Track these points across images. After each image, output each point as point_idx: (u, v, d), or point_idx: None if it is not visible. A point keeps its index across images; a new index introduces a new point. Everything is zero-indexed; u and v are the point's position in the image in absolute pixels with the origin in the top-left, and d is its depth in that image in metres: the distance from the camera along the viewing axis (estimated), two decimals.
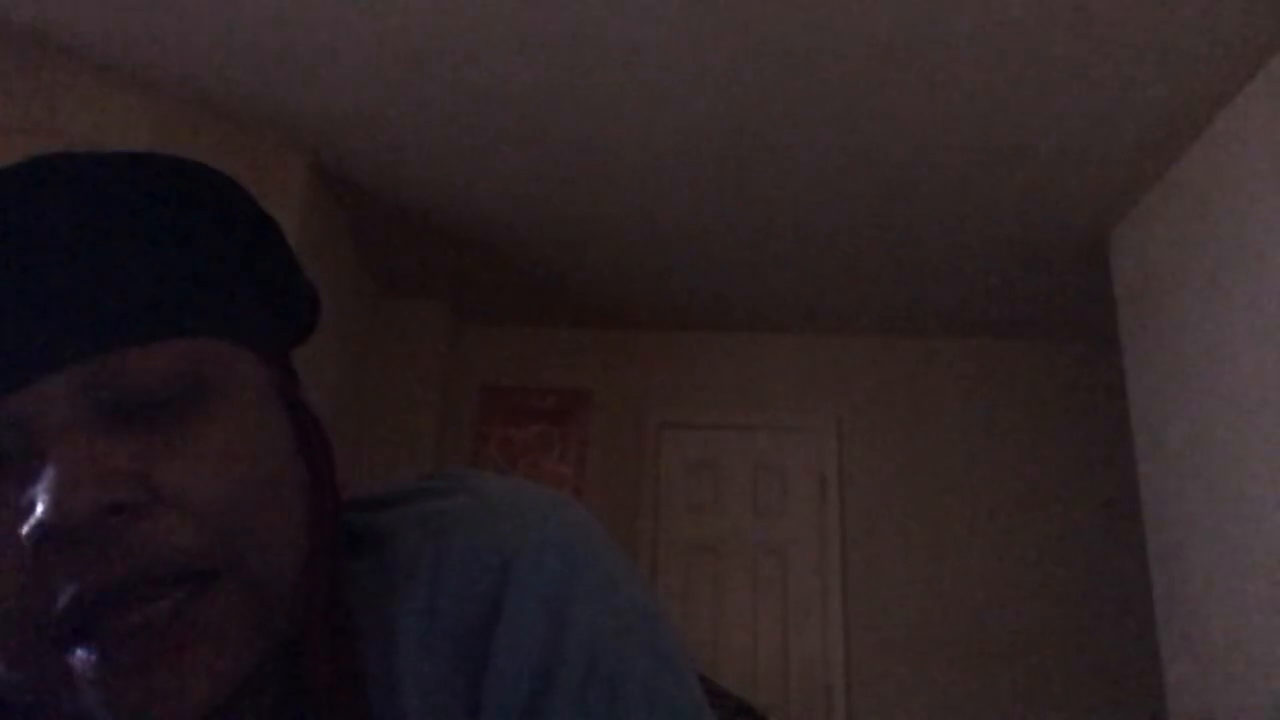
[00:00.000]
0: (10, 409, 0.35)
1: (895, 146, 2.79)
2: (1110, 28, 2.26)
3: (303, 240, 2.89)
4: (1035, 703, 3.70)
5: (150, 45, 2.43)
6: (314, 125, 2.79)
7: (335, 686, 0.40)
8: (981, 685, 3.72)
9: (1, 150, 2.34)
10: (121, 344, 0.37)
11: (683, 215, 3.27)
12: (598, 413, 4.16)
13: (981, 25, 2.27)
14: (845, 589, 3.87)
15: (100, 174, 0.39)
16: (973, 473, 4.04)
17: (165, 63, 2.50)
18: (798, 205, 3.16)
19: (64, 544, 0.34)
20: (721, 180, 3.03)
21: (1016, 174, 2.92)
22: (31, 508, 0.34)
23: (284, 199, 2.87)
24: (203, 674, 0.36)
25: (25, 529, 0.33)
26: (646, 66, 2.47)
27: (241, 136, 2.82)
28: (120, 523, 0.35)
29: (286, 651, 0.42)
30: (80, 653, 0.35)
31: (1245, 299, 2.46)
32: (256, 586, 0.38)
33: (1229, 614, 2.46)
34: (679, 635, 0.46)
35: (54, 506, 0.33)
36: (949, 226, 3.26)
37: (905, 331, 4.20)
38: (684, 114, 2.68)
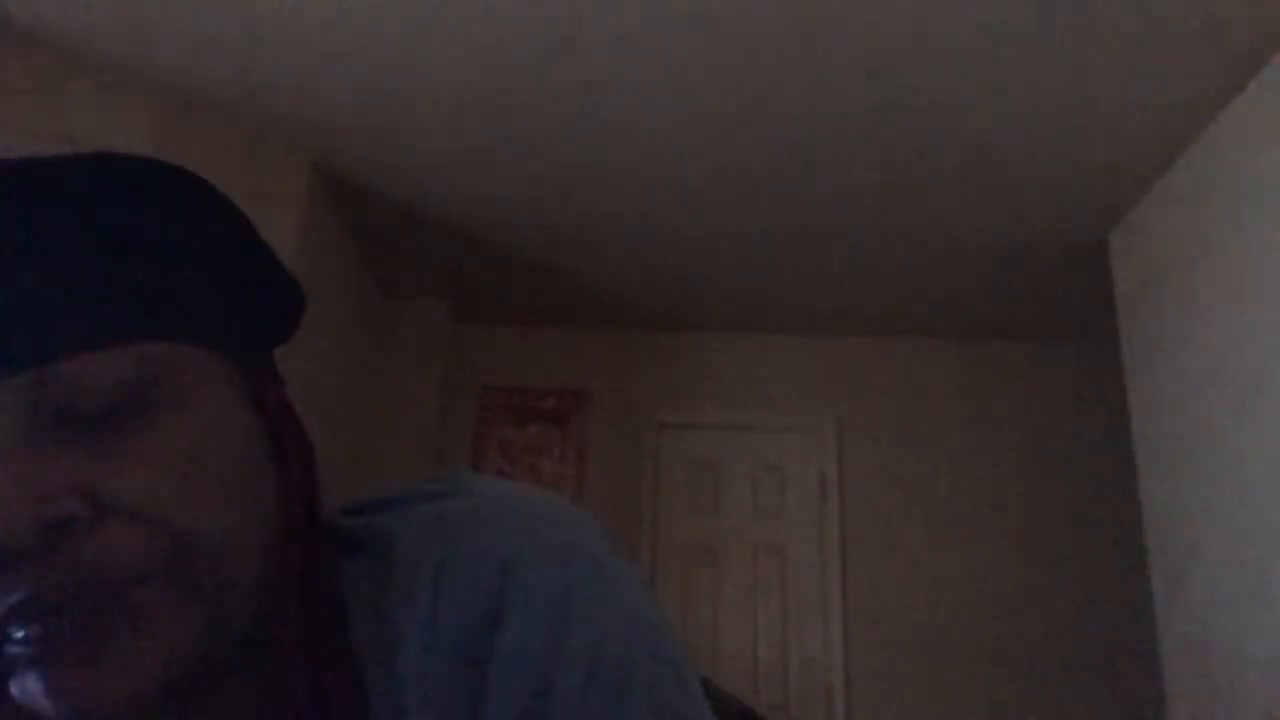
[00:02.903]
0: None
1: (895, 147, 2.79)
2: (1110, 28, 2.26)
3: (303, 240, 2.89)
4: (1035, 704, 3.70)
5: (151, 45, 2.43)
6: (314, 125, 2.79)
7: (323, 688, 0.40)
8: (981, 686, 3.72)
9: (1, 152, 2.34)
10: (65, 352, 0.36)
11: (683, 215, 3.27)
12: (598, 413, 4.16)
13: (982, 26, 2.27)
14: (845, 589, 3.87)
15: (47, 178, 0.38)
16: (972, 473, 4.04)
17: (166, 63, 2.50)
18: (798, 205, 3.16)
19: (5, 563, 0.34)
20: (722, 181, 3.03)
21: (1016, 175, 2.92)
22: None
23: (284, 199, 2.87)
24: (143, 667, 0.36)
25: None
26: (647, 66, 2.47)
27: (241, 136, 2.82)
28: (63, 537, 0.35)
29: (265, 646, 0.42)
30: (21, 644, 0.35)
31: (1245, 300, 2.46)
32: (205, 586, 0.38)
33: (1230, 617, 2.46)
34: (681, 639, 0.46)
35: None
36: (949, 227, 3.26)
37: (905, 332, 4.20)
38: (684, 115, 2.68)
